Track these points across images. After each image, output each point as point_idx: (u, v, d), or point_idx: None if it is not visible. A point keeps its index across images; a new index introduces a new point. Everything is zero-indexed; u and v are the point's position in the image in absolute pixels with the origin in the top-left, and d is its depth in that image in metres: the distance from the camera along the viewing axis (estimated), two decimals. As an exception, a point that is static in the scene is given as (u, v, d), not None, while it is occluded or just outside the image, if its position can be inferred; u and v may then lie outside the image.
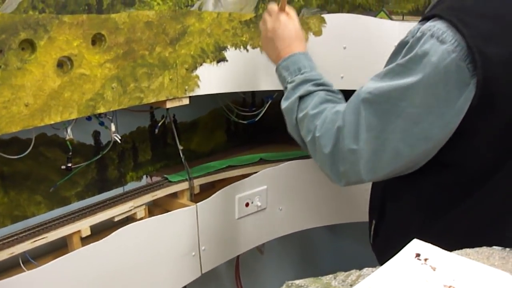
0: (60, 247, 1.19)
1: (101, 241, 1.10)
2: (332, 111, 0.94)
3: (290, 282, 0.60)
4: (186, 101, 1.20)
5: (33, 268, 1.03)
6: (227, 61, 1.25)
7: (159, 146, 1.45)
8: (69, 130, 1.06)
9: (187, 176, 1.37)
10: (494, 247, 0.71)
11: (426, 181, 0.92)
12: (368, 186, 1.07)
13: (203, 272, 1.35)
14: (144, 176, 1.43)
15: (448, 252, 0.57)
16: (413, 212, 0.95)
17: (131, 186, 1.39)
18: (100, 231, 1.24)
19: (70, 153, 1.15)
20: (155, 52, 1.11)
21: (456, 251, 0.68)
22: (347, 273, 0.63)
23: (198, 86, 1.21)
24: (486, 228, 0.88)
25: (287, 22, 1.13)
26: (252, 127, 1.66)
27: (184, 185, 1.38)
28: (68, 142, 1.11)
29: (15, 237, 1.08)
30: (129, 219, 1.27)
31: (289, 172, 1.50)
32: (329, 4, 1.84)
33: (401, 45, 0.88)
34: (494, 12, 0.83)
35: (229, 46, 1.25)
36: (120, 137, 1.18)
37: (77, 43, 0.97)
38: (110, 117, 1.13)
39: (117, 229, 1.14)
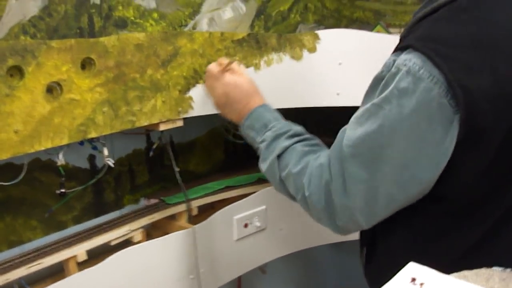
0: (57, 272, 1.17)
1: (97, 266, 1.08)
2: (315, 165, 0.90)
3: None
4: (180, 123, 1.19)
5: (28, 295, 1.02)
6: (221, 81, 1.24)
7: (156, 168, 1.43)
8: (60, 155, 1.05)
9: (184, 198, 1.35)
10: (494, 268, 0.69)
11: (416, 213, 0.88)
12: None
13: (202, 294, 1.33)
14: (142, 199, 1.41)
15: (446, 276, 0.55)
16: (404, 241, 0.92)
17: (128, 209, 1.37)
18: (97, 255, 1.22)
19: (63, 179, 1.14)
20: (146, 75, 1.10)
21: (454, 274, 0.66)
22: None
23: (192, 108, 1.20)
24: (475, 254, 0.85)
25: (235, 81, 1.09)
26: (250, 146, 1.64)
27: (182, 207, 1.36)
28: (60, 168, 1.10)
29: (11, 263, 1.06)
30: (127, 242, 1.25)
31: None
32: (326, 20, 1.84)
33: (377, 80, 0.84)
34: (471, 38, 0.77)
35: (222, 66, 1.24)
36: (113, 161, 1.17)
37: (66, 68, 0.97)
38: (103, 142, 1.12)
39: (115, 253, 1.12)
